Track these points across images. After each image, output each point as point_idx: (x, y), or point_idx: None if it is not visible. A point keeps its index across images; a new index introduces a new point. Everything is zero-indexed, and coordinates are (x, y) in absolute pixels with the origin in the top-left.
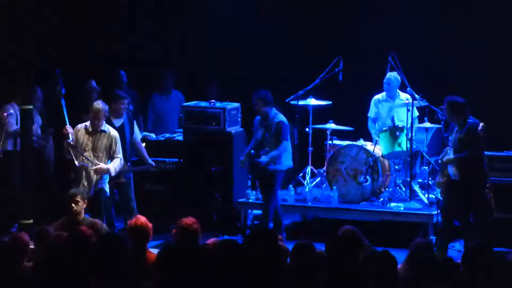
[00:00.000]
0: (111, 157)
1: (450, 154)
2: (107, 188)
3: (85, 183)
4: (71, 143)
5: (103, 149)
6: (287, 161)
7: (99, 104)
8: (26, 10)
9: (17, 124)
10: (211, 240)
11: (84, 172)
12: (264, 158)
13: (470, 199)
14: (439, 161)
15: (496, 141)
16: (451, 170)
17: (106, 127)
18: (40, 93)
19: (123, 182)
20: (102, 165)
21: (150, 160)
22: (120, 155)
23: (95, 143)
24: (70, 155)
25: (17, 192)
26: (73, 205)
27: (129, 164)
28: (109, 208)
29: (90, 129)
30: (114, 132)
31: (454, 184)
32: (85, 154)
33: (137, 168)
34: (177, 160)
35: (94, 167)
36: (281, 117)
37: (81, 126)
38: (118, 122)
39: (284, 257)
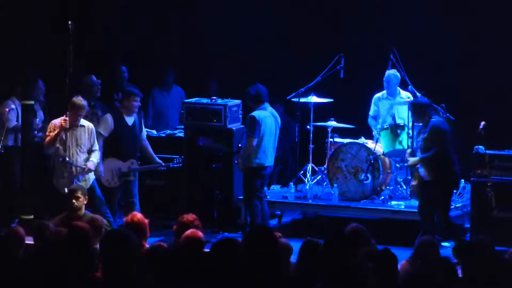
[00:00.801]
0: (89, 151)
1: (417, 156)
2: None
3: (65, 176)
4: (67, 159)
5: (87, 144)
6: (256, 159)
7: (81, 101)
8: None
9: (18, 120)
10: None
11: (66, 167)
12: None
13: (437, 198)
14: (404, 164)
15: (497, 140)
16: (422, 171)
17: (82, 121)
18: (43, 87)
19: (132, 180)
20: (89, 164)
21: (157, 159)
22: (97, 147)
23: (78, 139)
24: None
25: (18, 187)
26: (73, 200)
27: (138, 162)
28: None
29: (68, 125)
30: (91, 125)
31: (427, 185)
32: (71, 155)
33: (146, 167)
34: (178, 156)
35: (86, 169)
36: (254, 112)
37: (58, 121)
38: (130, 120)
39: (287, 255)
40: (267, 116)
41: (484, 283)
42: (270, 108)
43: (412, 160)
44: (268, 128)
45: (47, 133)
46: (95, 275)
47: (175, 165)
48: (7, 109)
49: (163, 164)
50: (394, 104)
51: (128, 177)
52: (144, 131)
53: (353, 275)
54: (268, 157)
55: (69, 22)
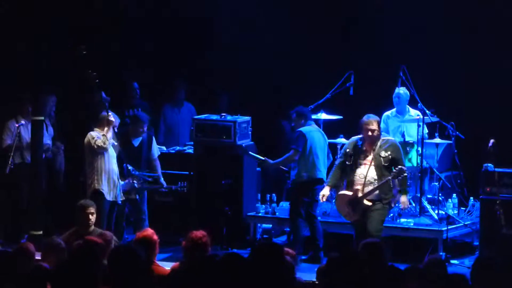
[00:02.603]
0: None
1: None
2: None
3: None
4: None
5: None
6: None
7: (113, 115)
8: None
9: (28, 135)
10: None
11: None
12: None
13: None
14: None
15: (506, 158)
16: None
17: None
18: (53, 103)
19: (134, 199)
20: None
21: (162, 179)
22: None
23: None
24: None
25: (26, 204)
26: (90, 216)
27: (141, 180)
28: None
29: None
30: None
31: None
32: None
33: (148, 187)
34: (187, 173)
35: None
36: (305, 129)
37: (95, 134)
38: (136, 142)
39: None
40: (313, 131)
41: None
42: (315, 125)
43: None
44: (316, 143)
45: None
46: None
47: (178, 188)
48: (17, 125)
49: (165, 185)
50: (403, 122)
51: (130, 196)
52: (156, 150)
53: None
54: (321, 171)
55: (82, 46)
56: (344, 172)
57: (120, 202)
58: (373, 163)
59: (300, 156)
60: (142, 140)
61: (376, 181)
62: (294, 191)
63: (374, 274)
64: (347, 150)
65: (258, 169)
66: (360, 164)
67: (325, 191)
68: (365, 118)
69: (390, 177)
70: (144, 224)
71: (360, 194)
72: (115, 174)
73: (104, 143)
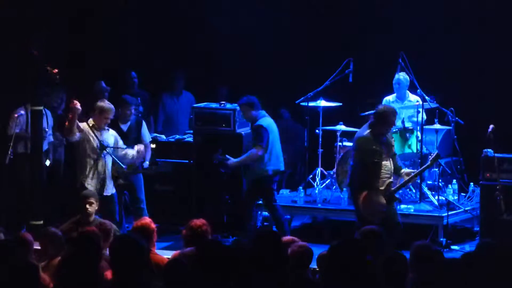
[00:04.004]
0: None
1: None
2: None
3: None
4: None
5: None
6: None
7: (109, 104)
8: (36, 10)
9: (27, 125)
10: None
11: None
12: (232, 160)
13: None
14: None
15: (506, 143)
16: None
17: None
18: (62, 98)
19: (124, 184)
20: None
21: (145, 164)
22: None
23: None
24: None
25: (26, 193)
26: (87, 206)
27: (124, 167)
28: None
29: (97, 127)
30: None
31: None
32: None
33: (132, 172)
34: (187, 161)
35: None
36: (262, 121)
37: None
38: (125, 127)
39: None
40: (271, 123)
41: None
42: (265, 113)
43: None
44: (275, 134)
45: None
46: (103, 279)
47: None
48: (16, 115)
49: (123, 166)
50: (403, 108)
51: (117, 182)
52: (147, 135)
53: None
54: (281, 162)
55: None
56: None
57: (106, 194)
58: (389, 154)
59: (264, 150)
60: (131, 125)
61: (392, 171)
62: (263, 186)
63: (375, 261)
64: (377, 148)
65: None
66: (384, 158)
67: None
68: (391, 108)
69: (429, 163)
70: (142, 212)
71: (394, 187)
72: (101, 166)
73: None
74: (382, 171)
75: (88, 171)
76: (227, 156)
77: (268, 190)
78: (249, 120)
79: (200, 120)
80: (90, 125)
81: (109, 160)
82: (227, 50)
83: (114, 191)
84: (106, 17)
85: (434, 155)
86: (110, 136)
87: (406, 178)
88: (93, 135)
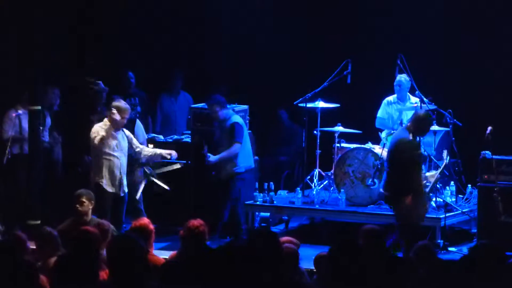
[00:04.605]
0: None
1: None
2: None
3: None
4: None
5: (127, 147)
6: (244, 163)
7: (125, 104)
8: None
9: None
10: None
11: None
12: (213, 157)
13: None
14: None
15: (504, 145)
16: None
17: None
18: (57, 95)
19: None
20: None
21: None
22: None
23: (121, 142)
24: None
25: (23, 194)
26: (77, 205)
27: (168, 189)
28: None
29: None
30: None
31: None
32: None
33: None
34: (185, 161)
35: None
36: (237, 119)
37: (99, 129)
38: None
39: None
40: (242, 121)
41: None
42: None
43: None
44: (246, 132)
45: (94, 135)
46: (100, 278)
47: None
48: (14, 114)
49: (167, 188)
50: (403, 110)
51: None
52: (141, 134)
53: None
54: (252, 158)
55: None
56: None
57: (122, 194)
58: None
59: (240, 147)
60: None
61: None
62: (234, 183)
63: (374, 262)
64: (420, 151)
65: (256, 157)
66: None
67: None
68: (428, 113)
69: (446, 161)
70: (140, 213)
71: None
72: (117, 168)
73: (98, 141)
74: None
75: (105, 172)
76: (206, 153)
77: (236, 188)
78: (217, 119)
79: (198, 121)
80: (105, 126)
81: (124, 160)
82: (226, 50)
83: (126, 191)
84: (105, 17)
85: (445, 154)
86: (124, 137)
87: (432, 180)
88: (110, 136)
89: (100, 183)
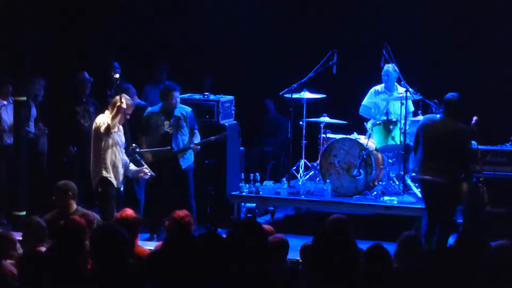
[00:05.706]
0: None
1: None
2: None
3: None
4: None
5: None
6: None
7: (131, 100)
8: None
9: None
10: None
11: None
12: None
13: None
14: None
15: (489, 135)
16: None
17: None
18: (42, 85)
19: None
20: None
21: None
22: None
23: (122, 137)
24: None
25: (3, 184)
26: (54, 197)
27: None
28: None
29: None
30: None
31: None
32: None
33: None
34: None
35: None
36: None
37: (105, 120)
38: None
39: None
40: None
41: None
42: None
43: None
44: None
45: (99, 125)
46: (86, 268)
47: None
48: None
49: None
50: (390, 100)
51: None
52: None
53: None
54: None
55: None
56: None
57: (120, 187)
58: None
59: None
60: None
61: None
62: (189, 175)
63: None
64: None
65: (242, 148)
66: None
67: None
68: (454, 94)
69: None
70: (139, 203)
71: None
72: (119, 161)
73: (106, 131)
74: None
75: (110, 166)
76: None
77: (191, 181)
78: (173, 107)
79: None
80: (109, 117)
81: (123, 153)
82: (211, 41)
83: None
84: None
85: None
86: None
87: None
88: (116, 126)
89: (109, 178)
